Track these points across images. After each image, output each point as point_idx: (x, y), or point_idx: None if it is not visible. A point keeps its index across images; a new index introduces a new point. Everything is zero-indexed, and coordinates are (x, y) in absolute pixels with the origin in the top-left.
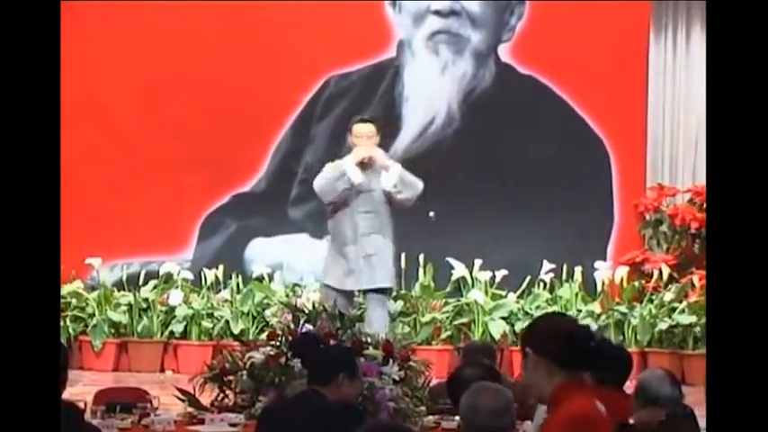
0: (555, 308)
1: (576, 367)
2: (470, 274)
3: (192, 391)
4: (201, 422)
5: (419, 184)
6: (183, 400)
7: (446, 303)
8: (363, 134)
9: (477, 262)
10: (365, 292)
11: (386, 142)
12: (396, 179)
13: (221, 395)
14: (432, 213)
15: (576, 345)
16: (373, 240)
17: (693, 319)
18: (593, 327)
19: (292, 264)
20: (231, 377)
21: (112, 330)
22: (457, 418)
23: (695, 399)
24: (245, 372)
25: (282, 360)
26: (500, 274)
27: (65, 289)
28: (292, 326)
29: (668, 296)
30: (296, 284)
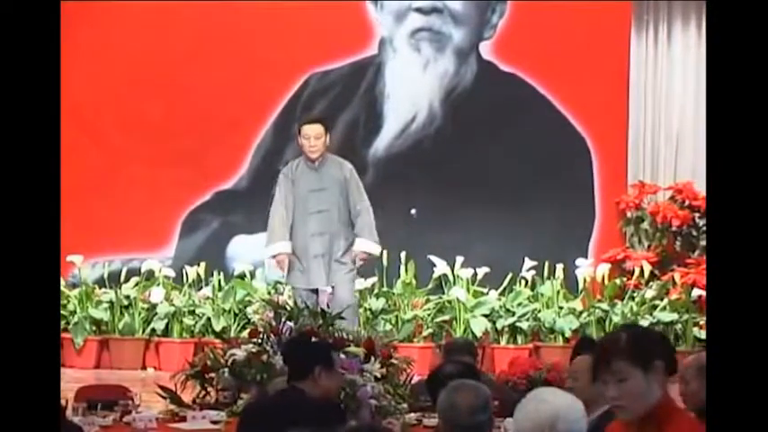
0: (536, 305)
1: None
2: (452, 271)
3: (174, 389)
4: (183, 419)
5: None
6: (164, 398)
7: (428, 301)
8: (311, 135)
9: (459, 259)
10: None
11: (368, 139)
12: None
13: (203, 392)
14: (413, 211)
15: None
16: (323, 241)
17: (674, 316)
18: (575, 324)
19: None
20: (213, 374)
21: (94, 328)
22: None
23: (676, 395)
24: (226, 369)
25: (264, 357)
26: (481, 271)
27: None
28: (274, 323)
29: (649, 293)
30: (277, 282)
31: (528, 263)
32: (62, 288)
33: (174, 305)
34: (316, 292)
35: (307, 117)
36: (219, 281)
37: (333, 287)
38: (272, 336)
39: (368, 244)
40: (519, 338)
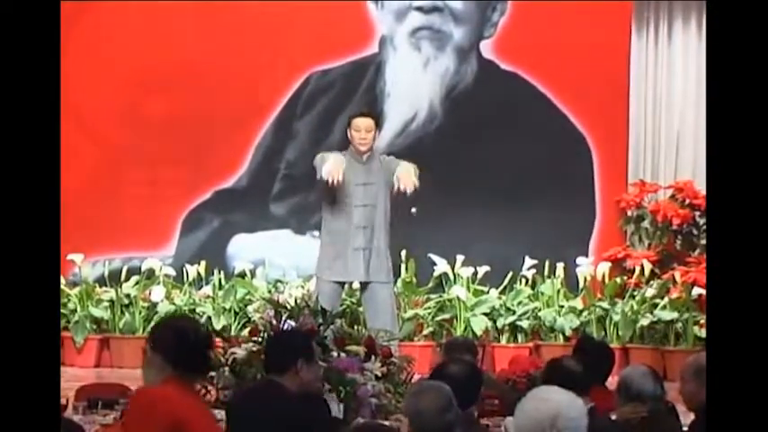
0: (537, 304)
1: (188, 367)
2: (452, 270)
3: None
4: None
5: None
6: None
7: (428, 299)
8: (362, 127)
9: (460, 258)
10: (362, 285)
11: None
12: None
13: (203, 391)
14: (414, 209)
15: (186, 345)
16: (366, 234)
17: (675, 315)
18: (575, 323)
19: (274, 260)
20: (213, 373)
21: (94, 326)
22: None
23: (677, 394)
24: (227, 368)
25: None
26: (482, 270)
27: None
28: (274, 322)
29: (650, 292)
30: (278, 280)
31: (528, 261)
32: (63, 287)
33: (174, 304)
34: (342, 286)
35: (358, 110)
36: (220, 279)
37: (367, 284)
38: (272, 334)
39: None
40: (519, 337)
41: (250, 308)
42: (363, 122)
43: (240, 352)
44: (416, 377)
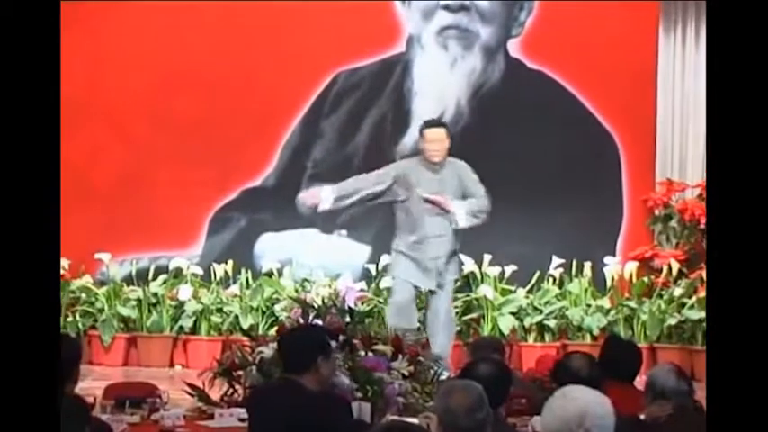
0: (564, 303)
1: None
2: (480, 269)
3: (202, 386)
4: (211, 417)
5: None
6: (192, 395)
7: (455, 299)
8: (435, 139)
9: (487, 257)
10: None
11: (395, 137)
12: (465, 218)
13: (231, 390)
14: None
15: None
16: (442, 243)
17: (703, 314)
18: (603, 322)
19: (302, 259)
20: (240, 372)
21: (122, 325)
22: None
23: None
24: (254, 367)
25: None
26: (509, 269)
27: (74, 284)
28: (302, 321)
29: (678, 291)
30: (305, 279)
31: (555, 260)
32: (90, 285)
33: (201, 303)
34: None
35: (429, 120)
36: (247, 278)
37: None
38: None
39: (461, 208)
40: (546, 336)
41: (277, 307)
42: (435, 134)
43: (267, 351)
44: (444, 376)
